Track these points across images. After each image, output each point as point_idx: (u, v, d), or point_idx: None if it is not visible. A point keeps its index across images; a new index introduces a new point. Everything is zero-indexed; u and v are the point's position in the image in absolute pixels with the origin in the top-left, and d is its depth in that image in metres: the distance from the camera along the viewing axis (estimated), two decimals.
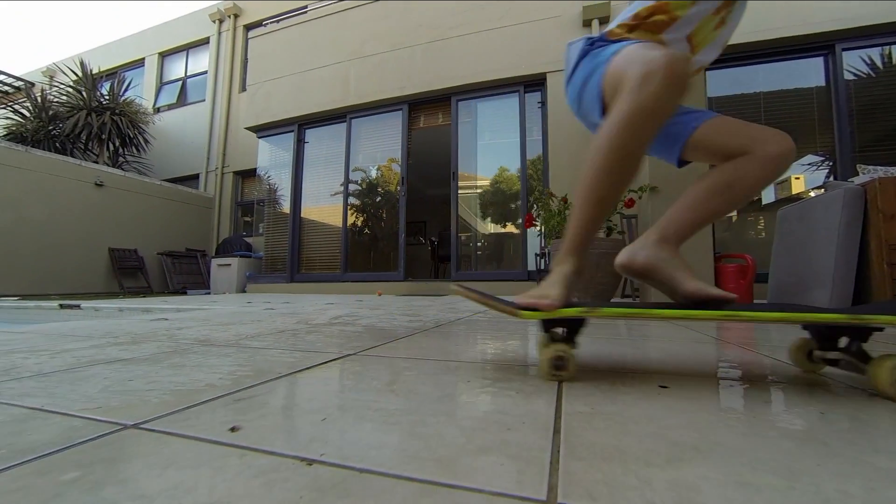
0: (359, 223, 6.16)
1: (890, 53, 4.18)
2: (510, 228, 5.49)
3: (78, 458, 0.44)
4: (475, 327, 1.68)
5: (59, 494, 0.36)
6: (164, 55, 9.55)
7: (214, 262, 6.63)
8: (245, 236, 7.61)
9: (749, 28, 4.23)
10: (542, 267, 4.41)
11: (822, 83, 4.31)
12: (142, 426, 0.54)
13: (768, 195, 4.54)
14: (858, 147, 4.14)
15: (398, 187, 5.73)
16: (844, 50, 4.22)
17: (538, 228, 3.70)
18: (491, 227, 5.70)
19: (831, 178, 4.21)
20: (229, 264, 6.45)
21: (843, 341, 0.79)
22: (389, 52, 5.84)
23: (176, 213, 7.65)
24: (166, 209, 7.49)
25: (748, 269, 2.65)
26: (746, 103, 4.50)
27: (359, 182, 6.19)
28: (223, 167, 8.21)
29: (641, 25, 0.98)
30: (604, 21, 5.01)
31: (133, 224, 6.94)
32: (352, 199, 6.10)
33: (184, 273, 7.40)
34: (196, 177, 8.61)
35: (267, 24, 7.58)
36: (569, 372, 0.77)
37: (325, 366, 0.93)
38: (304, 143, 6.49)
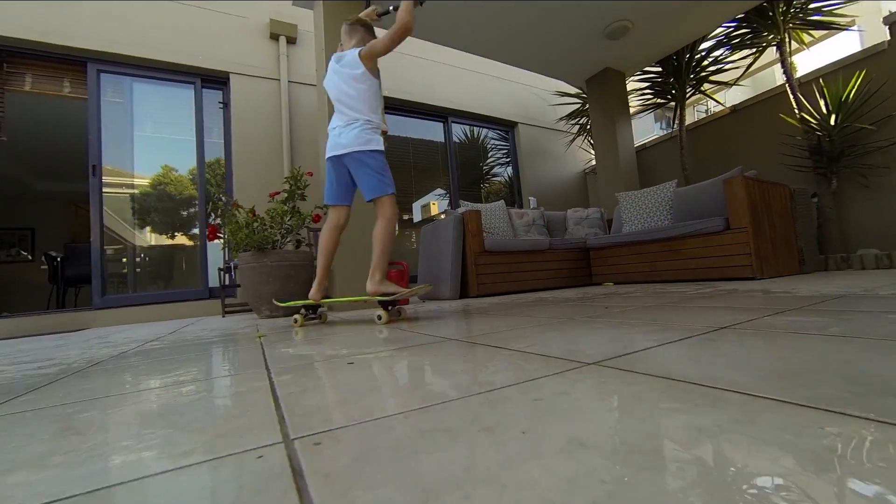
0: None
1: (473, 131, 6.53)
2: (183, 240, 4.69)
3: None
4: (204, 341, 1.41)
5: None
6: None
7: None
8: None
9: (400, 88, 5.56)
10: (227, 282, 4.04)
11: (443, 140, 6.21)
12: None
13: (417, 215, 6.05)
14: (461, 187, 6.23)
15: None
16: (453, 122, 6.25)
17: (222, 241, 3.39)
18: (156, 239, 4.66)
19: (449, 207, 6.10)
20: None
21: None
22: None
23: None
24: None
25: (405, 272, 3.47)
26: (402, 144, 5.84)
27: None
28: None
29: None
30: (291, 41, 5.14)
31: None
32: None
33: None
34: None
35: None
36: None
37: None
38: None
